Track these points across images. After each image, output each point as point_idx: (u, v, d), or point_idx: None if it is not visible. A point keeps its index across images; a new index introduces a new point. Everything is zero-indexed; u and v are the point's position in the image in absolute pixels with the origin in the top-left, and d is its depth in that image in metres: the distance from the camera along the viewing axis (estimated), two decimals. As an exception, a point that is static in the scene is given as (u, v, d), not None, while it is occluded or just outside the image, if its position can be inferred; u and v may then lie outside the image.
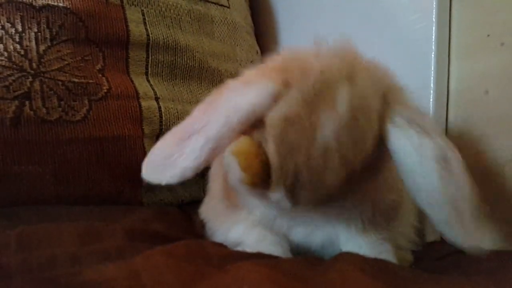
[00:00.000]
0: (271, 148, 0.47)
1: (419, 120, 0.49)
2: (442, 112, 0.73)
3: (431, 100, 0.72)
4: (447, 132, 0.73)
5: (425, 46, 0.73)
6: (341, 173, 0.46)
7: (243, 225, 0.60)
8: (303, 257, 0.50)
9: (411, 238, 0.65)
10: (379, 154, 0.50)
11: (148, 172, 0.54)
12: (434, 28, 0.72)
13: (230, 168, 0.49)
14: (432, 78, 0.72)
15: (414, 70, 0.74)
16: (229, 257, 0.46)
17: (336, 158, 0.45)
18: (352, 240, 0.57)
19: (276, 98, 0.48)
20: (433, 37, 0.72)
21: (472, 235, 0.49)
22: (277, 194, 0.47)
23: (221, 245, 0.53)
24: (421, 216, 0.71)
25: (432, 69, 0.72)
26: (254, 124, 0.50)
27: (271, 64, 0.53)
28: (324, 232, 0.57)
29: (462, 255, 0.60)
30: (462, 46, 0.72)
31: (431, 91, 0.73)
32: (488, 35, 0.68)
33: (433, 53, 0.72)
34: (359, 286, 0.38)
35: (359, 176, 0.48)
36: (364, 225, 0.56)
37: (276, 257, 0.49)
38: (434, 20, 0.72)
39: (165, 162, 0.52)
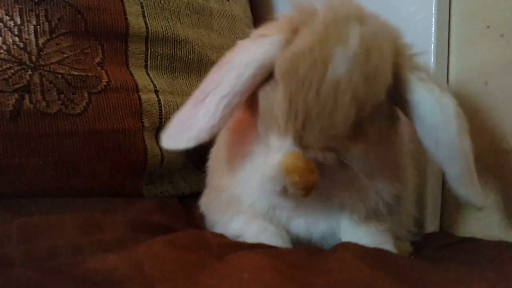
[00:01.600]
0: (280, 88, 0.47)
1: (433, 76, 0.52)
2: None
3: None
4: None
5: (424, 38, 0.73)
6: (350, 112, 0.45)
7: (242, 218, 0.60)
8: (304, 248, 0.50)
9: (411, 228, 0.66)
10: (390, 108, 0.51)
11: (167, 139, 0.54)
12: (433, 19, 0.72)
13: (274, 181, 0.48)
14: (431, 69, 0.72)
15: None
16: (230, 247, 0.47)
17: (347, 95, 0.44)
18: (352, 230, 0.57)
19: (285, 45, 0.49)
20: (433, 28, 0.72)
21: (480, 190, 0.53)
22: (286, 140, 0.46)
23: (221, 236, 0.53)
24: (420, 206, 0.71)
25: (432, 60, 0.72)
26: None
27: (280, 18, 0.53)
28: (325, 224, 0.58)
29: (461, 245, 0.61)
30: (462, 37, 0.72)
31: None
32: (488, 27, 0.68)
33: (432, 44, 0.72)
34: (359, 274, 0.38)
35: (367, 125, 0.48)
36: (366, 215, 0.56)
37: (276, 247, 0.49)
38: (433, 11, 0.72)
39: (183, 126, 0.53)
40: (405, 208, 0.64)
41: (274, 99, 0.48)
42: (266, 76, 0.51)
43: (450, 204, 0.74)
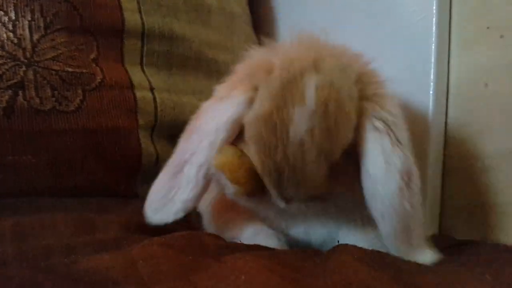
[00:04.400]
0: (251, 150, 0.49)
1: (396, 126, 0.50)
2: (442, 105, 0.73)
3: (431, 92, 0.72)
4: (446, 125, 0.73)
5: (425, 38, 0.72)
6: (321, 165, 0.46)
7: (239, 220, 0.60)
8: (301, 250, 0.49)
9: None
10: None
11: (151, 214, 0.55)
12: (434, 20, 0.72)
13: (221, 182, 0.51)
14: (432, 70, 0.72)
15: (414, 62, 0.73)
16: (226, 248, 0.46)
17: (313, 151, 0.45)
18: (350, 235, 0.57)
19: (249, 103, 0.50)
20: (433, 29, 0.72)
21: (414, 251, 0.51)
22: (273, 194, 0.48)
23: (217, 237, 0.52)
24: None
25: (432, 61, 0.72)
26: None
27: (237, 74, 0.55)
28: (324, 228, 0.57)
29: (460, 248, 0.61)
30: (462, 38, 0.71)
31: (431, 84, 0.72)
32: (488, 27, 0.68)
33: (433, 45, 0.72)
34: (358, 276, 0.38)
35: (343, 167, 0.49)
36: (363, 221, 0.56)
37: (273, 249, 0.49)
38: (434, 12, 0.72)
39: (165, 200, 0.54)
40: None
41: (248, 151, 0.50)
42: (238, 133, 0.53)
43: (449, 207, 0.74)
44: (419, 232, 0.51)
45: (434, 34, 0.72)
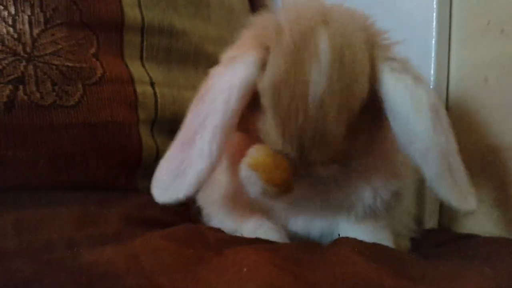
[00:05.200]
0: (269, 117, 0.46)
1: (410, 67, 0.49)
2: (442, 99, 0.73)
3: (431, 86, 0.72)
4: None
5: (425, 33, 0.73)
6: (342, 122, 0.45)
7: (239, 213, 0.60)
8: (302, 242, 0.49)
9: (409, 225, 0.65)
10: (376, 97, 0.49)
11: (160, 193, 0.51)
12: (435, 14, 0.72)
13: (250, 182, 0.47)
14: (432, 64, 0.72)
15: (415, 57, 0.73)
16: (228, 241, 0.46)
17: (334, 108, 0.44)
18: (350, 228, 0.56)
19: (262, 65, 0.48)
20: (434, 24, 0.72)
21: (462, 193, 0.48)
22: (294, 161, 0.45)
23: (219, 230, 0.52)
24: (419, 203, 0.71)
25: (433, 55, 0.72)
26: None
27: (245, 35, 0.52)
28: (323, 222, 0.57)
29: (460, 241, 0.61)
30: (463, 33, 0.71)
31: (431, 78, 0.72)
32: (488, 22, 0.67)
33: (433, 39, 0.72)
34: (357, 269, 0.38)
35: (360, 124, 0.47)
36: (364, 213, 0.56)
37: (274, 242, 0.49)
38: (435, 6, 0.72)
39: (175, 176, 0.50)
40: (404, 205, 0.63)
41: (267, 125, 0.47)
42: (251, 98, 0.49)
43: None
44: (461, 173, 0.49)
45: (434, 29, 0.72)
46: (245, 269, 0.34)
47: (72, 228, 0.49)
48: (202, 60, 0.91)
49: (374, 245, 0.46)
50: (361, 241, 0.47)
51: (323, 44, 0.45)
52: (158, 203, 0.50)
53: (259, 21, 0.52)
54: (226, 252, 0.42)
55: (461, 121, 0.71)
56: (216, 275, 0.36)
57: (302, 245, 0.46)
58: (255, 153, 0.47)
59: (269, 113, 0.47)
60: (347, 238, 0.49)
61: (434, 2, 0.72)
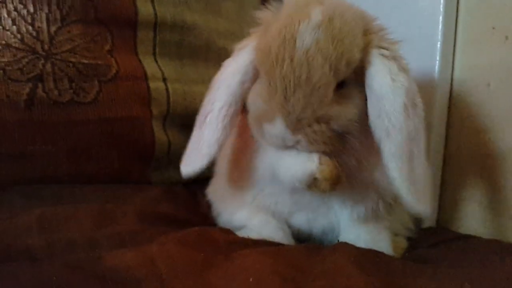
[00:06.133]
0: (260, 75, 0.52)
1: (400, 57, 0.53)
2: (445, 102, 0.75)
3: (435, 88, 0.74)
4: (448, 122, 0.75)
5: (432, 35, 0.74)
6: (326, 74, 0.48)
7: (246, 211, 0.64)
8: (303, 245, 0.53)
9: (407, 225, 0.68)
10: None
11: (184, 169, 0.59)
12: (441, 17, 0.73)
13: (314, 182, 0.51)
14: (436, 67, 0.74)
15: (420, 57, 0.75)
16: (236, 243, 0.50)
17: (318, 58, 0.48)
18: (352, 228, 0.60)
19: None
20: (440, 26, 0.73)
21: (418, 190, 0.50)
22: (277, 123, 0.49)
23: (227, 231, 0.56)
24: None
25: (438, 58, 0.74)
26: None
27: (254, 29, 0.58)
28: (325, 219, 0.60)
29: (453, 243, 0.64)
30: (468, 37, 0.72)
31: (436, 79, 0.74)
32: (493, 28, 0.69)
33: (439, 42, 0.73)
34: (350, 278, 0.41)
35: (352, 89, 0.51)
36: (366, 214, 0.59)
37: (277, 245, 0.52)
38: (441, 10, 0.73)
39: (195, 150, 0.58)
40: (403, 206, 0.66)
41: (258, 89, 0.53)
42: (255, 80, 0.56)
43: (447, 200, 0.77)
44: (423, 170, 0.51)
45: (440, 32, 0.73)
46: (251, 279, 0.38)
47: (91, 226, 0.53)
48: (213, 54, 0.93)
49: (370, 253, 0.50)
50: (358, 249, 0.50)
51: (315, 11, 0.50)
52: (183, 176, 0.58)
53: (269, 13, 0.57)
54: (234, 256, 0.45)
55: (463, 124, 0.73)
56: (226, 281, 0.39)
57: (303, 250, 0.50)
58: (326, 165, 0.50)
59: (260, 69, 0.52)
60: (345, 244, 0.52)
61: (441, 6, 0.73)
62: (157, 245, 0.44)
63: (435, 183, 0.77)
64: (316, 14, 0.50)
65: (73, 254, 0.46)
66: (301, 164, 0.50)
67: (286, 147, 0.50)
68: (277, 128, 0.49)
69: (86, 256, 0.44)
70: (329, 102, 0.49)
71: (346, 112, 0.50)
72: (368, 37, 0.52)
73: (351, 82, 0.52)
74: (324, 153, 0.50)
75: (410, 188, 0.49)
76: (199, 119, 0.58)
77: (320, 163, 0.50)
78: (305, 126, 0.49)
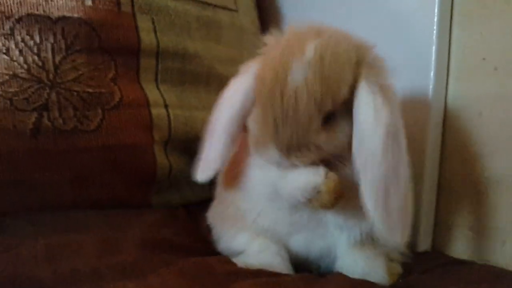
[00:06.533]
0: (256, 103, 0.56)
1: (389, 92, 0.55)
2: (438, 131, 0.77)
3: (428, 117, 0.76)
4: (442, 150, 0.77)
5: (425, 65, 0.76)
6: (311, 109, 0.52)
7: (246, 235, 0.66)
8: (300, 276, 0.55)
9: (402, 250, 0.70)
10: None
11: (198, 173, 0.64)
12: (434, 47, 0.75)
13: (317, 195, 0.54)
14: (430, 97, 0.76)
15: (414, 86, 0.77)
16: (234, 275, 0.52)
17: (305, 96, 0.52)
18: (348, 253, 0.62)
19: None
20: (433, 57, 0.75)
21: (392, 221, 0.52)
22: (270, 149, 0.53)
23: (226, 261, 0.58)
24: (413, 225, 0.76)
25: (431, 87, 0.76)
26: None
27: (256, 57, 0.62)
28: (322, 242, 0.62)
29: (446, 269, 0.66)
30: (460, 68, 0.75)
31: (429, 108, 0.76)
32: (484, 59, 0.71)
33: (432, 72, 0.76)
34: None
35: (341, 125, 0.54)
36: (362, 238, 0.61)
37: (276, 276, 0.54)
38: (434, 40, 0.75)
39: (205, 160, 0.63)
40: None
41: (255, 114, 0.57)
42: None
43: (443, 223, 0.78)
44: (400, 201, 0.52)
45: (433, 62, 0.75)
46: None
47: (95, 256, 0.55)
48: (214, 80, 0.95)
49: (362, 284, 0.51)
50: (351, 280, 0.52)
51: (310, 45, 0.54)
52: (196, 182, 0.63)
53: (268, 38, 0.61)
54: (232, 287, 0.47)
55: (457, 151, 0.75)
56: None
57: (300, 280, 0.51)
58: (331, 179, 0.54)
59: (256, 99, 0.57)
60: (340, 275, 0.54)
61: (434, 36, 0.75)
62: (158, 278, 0.46)
63: (429, 208, 0.78)
64: (310, 51, 0.53)
65: (78, 285, 0.48)
66: (307, 176, 0.54)
67: (285, 168, 0.54)
68: (271, 154, 0.54)
69: (89, 287, 0.46)
70: (317, 132, 0.53)
71: (333, 139, 0.54)
72: (359, 69, 0.55)
73: (342, 112, 0.55)
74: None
75: (382, 219, 0.52)
76: (207, 133, 0.64)
77: (326, 177, 0.53)
78: (296, 152, 0.53)
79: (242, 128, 0.61)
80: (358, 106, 0.54)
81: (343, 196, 0.54)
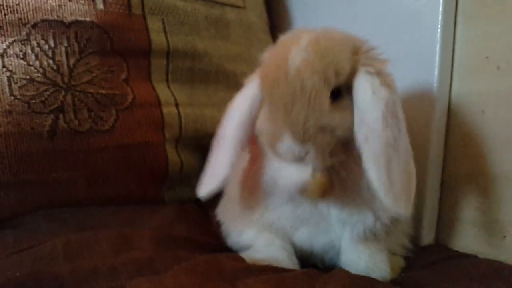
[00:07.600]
0: (265, 102, 0.58)
1: (386, 74, 0.57)
2: (442, 126, 0.78)
3: (433, 114, 0.77)
4: (446, 146, 0.78)
5: (429, 63, 0.77)
6: (317, 85, 0.53)
7: (253, 230, 0.69)
8: (305, 271, 0.57)
9: (405, 245, 0.72)
10: None
11: (201, 188, 0.64)
12: (438, 46, 0.77)
13: (306, 192, 0.58)
14: (434, 94, 0.77)
15: (418, 83, 0.79)
16: (241, 271, 0.55)
17: (308, 71, 0.53)
18: (352, 248, 0.64)
19: None
20: (437, 56, 0.76)
21: (396, 192, 0.53)
22: (285, 139, 0.54)
23: (234, 258, 0.61)
24: (416, 218, 0.78)
25: (435, 84, 0.77)
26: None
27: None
28: (326, 237, 0.65)
29: (449, 263, 0.68)
30: (464, 65, 0.76)
31: (434, 105, 0.77)
32: (487, 57, 0.72)
33: (436, 70, 0.77)
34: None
35: (348, 105, 0.56)
36: (365, 234, 0.63)
37: (281, 271, 0.57)
38: (438, 39, 0.76)
39: (212, 171, 0.64)
40: (401, 226, 0.70)
41: (263, 115, 0.58)
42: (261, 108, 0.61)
43: (447, 217, 0.80)
44: (401, 173, 0.54)
45: (437, 59, 0.77)
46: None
47: (111, 253, 0.58)
48: (223, 78, 0.98)
49: (364, 280, 0.54)
50: (353, 277, 0.54)
51: (305, 37, 0.56)
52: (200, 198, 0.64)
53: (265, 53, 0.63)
54: (239, 284, 0.50)
55: (460, 147, 0.77)
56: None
57: (304, 276, 0.54)
58: (321, 178, 0.57)
59: (262, 93, 0.59)
60: (341, 271, 0.57)
61: (438, 35, 0.76)
62: (171, 276, 0.50)
63: (433, 202, 0.80)
64: (305, 38, 0.56)
65: (96, 282, 0.51)
66: (296, 174, 0.57)
67: (300, 159, 0.54)
68: (286, 143, 0.53)
69: (107, 284, 0.49)
70: (329, 111, 0.54)
71: (347, 119, 0.55)
72: (357, 56, 0.57)
73: (346, 95, 0.57)
74: (328, 167, 0.56)
75: (386, 189, 0.53)
76: (215, 143, 0.65)
77: (312, 177, 0.56)
78: (312, 136, 0.53)
79: (251, 139, 0.63)
80: (356, 87, 0.56)
81: (330, 192, 0.58)
